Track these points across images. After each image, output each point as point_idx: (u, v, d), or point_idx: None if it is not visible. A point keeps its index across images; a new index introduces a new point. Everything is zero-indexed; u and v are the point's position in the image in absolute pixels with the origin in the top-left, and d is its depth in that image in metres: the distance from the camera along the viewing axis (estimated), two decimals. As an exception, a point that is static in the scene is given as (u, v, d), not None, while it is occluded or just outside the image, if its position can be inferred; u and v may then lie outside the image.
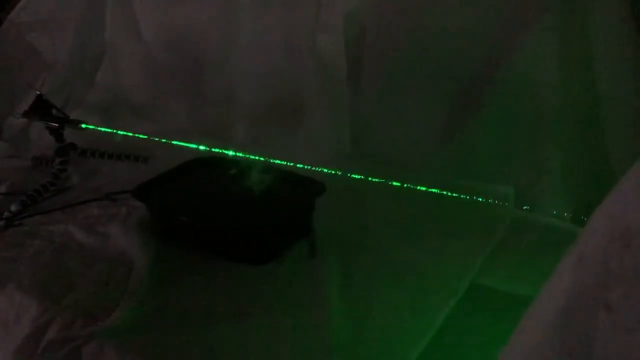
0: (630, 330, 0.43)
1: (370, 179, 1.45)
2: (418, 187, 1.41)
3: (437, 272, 1.14)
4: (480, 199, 1.37)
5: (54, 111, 1.43)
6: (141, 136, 1.48)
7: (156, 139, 1.46)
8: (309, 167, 1.41)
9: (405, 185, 1.43)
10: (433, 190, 1.40)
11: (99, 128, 1.46)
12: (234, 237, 1.20)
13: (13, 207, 1.36)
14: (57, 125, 1.43)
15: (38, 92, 1.43)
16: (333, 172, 1.43)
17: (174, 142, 1.49)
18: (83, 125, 1.40)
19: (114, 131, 1.48)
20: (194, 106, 1.79)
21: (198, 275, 1.14)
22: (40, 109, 1.42)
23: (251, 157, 1.38)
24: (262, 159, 1.38)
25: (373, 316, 1.04)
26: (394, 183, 1.43)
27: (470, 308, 1.06)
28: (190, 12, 1.73)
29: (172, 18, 1.76)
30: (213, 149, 1.47)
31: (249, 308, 1.05)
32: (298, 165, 1.42)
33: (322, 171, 1.42)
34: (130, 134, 1.47)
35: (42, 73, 1.85)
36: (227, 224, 1.21)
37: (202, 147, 1.44)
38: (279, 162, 1.43)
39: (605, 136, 1.28)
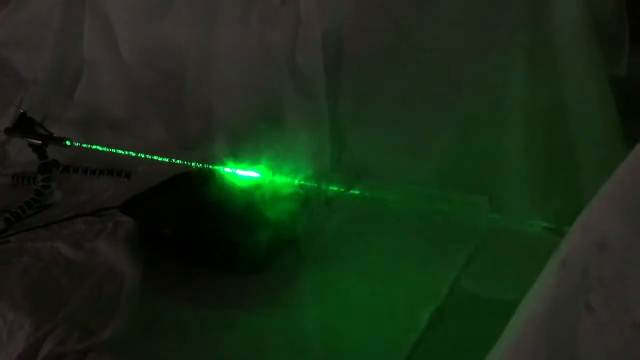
0: (611, 328, 0.49)
1: (349, 190, 1.50)
2: (395, 197, 1.47)
3: (417, 279, 1.19)
4: (456, 208, 1.42)
5: (37, 128, 1.44)
6: (127, 152, 1.50)
7: (141, 155, 1.48)
8: (291, 180, 1.45)
9: (382, 196, 1.48)
10: (410, 199, 1.46)
11: (84, 145, 1.47)
12: (222, 249, 1.22)
13: (-3, 225, 1.36)
14: (40, 142, 1.44)
15: (22, 111, 1.44)
16: (314, 184, 1.47)
17: (157, 158, 1.51)
18: (68, 143, 1.41)
19: (101, 148, 1.49)
20: (173, 122, 1.80)
21: (188, 288, 1.17)
22: (24, 126, 1.43)
23: (235, 170, 1.42)
24: (246, 171, 1.42)
25: (358, 323, 1.08)
26: (373, 194, 1.49)
27: (450, 312, 1.10)
28: (169, 29, 1.75)
29: (151, 34, 1.78)
30: (195, 164, 1.50)
31: (240, 317, 1.08)
32: (280, 178, 1.45)
33: (303, 184, 1.46)
34: (118, 151, 1.49)
35: (19, 90, 1.84)
36: (215, 237, 1.24)
37: (186, 163, 1.46)
38: (260, 174, 1.46)
39: (575, 143, 1.31)
